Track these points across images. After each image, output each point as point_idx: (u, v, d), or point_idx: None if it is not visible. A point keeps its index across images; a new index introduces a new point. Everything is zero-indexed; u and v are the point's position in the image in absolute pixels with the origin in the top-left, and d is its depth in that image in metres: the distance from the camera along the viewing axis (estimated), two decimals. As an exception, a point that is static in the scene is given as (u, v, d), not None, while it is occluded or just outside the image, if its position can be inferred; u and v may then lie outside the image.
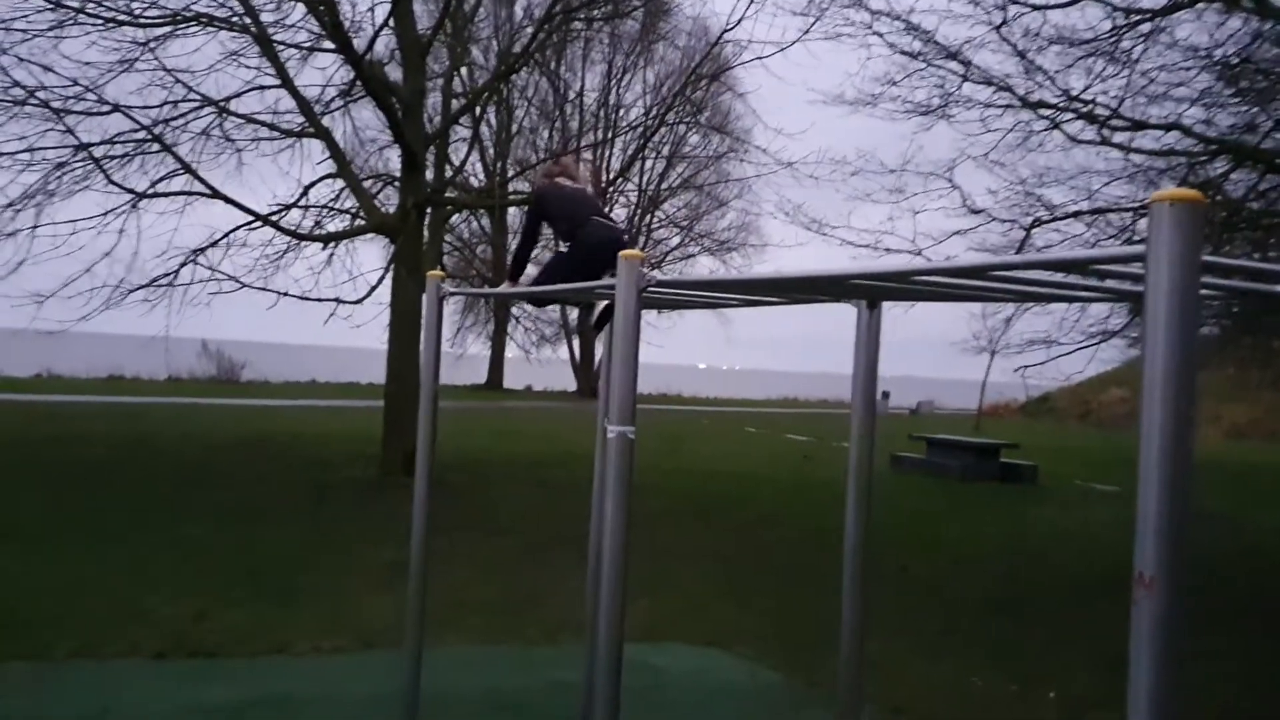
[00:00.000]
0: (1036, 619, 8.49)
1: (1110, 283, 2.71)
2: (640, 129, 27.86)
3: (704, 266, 42.58)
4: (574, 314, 45.80)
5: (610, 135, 37.06)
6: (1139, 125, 8.68)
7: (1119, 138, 8.87)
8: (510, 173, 34.44)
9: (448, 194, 16.54)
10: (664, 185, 41.78)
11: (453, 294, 4.97)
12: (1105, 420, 42.39)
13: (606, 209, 5.55)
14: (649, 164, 40.24)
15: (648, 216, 41.62)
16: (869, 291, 3.62)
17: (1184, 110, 9.25)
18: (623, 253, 3.42)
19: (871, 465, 3.81)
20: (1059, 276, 2.65)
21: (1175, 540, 1.77)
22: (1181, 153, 8.66)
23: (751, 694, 6.22)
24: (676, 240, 43.37)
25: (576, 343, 47.97)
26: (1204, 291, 2.36)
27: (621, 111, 39.56)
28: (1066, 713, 6.13)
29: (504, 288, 5.17)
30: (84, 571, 8.15)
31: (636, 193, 39.71)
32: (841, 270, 2.92)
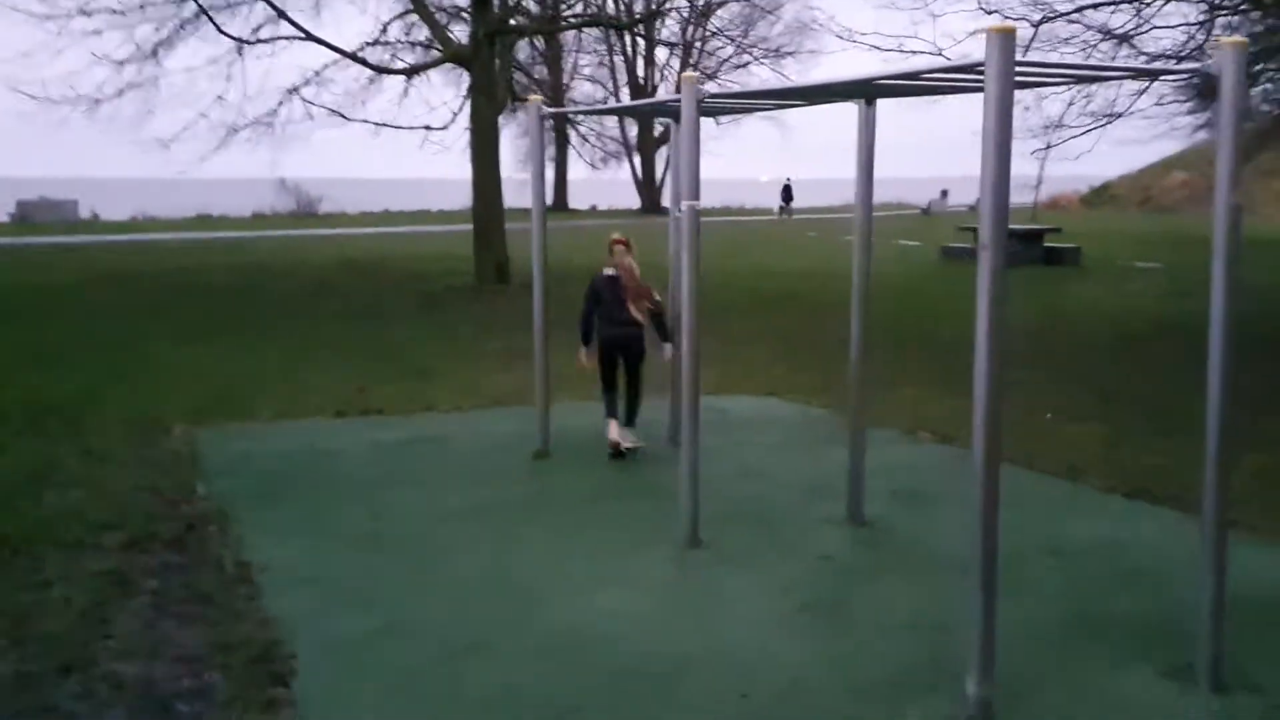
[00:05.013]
0: (1044, 366, 9.98)
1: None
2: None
3: (757, 76, 42.85)
4: (634, 131, 46.64)
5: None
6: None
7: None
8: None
9: (513, 22, 17.57)
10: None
11: (552, 113, 6.40)
12: (1166, 204, 42.58)
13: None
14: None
15: (699, 28, 41.76)
16: (864, 90, 4.97)
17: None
18: (684, 74, 4.83)
19: (870, 244, 5.26)
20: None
21: (998, 222, 3.24)
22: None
23: (800, 422, 7.88)
24: (729, 51, 43.55)
25: (638, 160, 48.95)
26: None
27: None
28: (1053, 425, 7.69)
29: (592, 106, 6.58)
30: (253, 362, 10.00)
31: (687, 6, 39.73)
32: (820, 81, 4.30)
